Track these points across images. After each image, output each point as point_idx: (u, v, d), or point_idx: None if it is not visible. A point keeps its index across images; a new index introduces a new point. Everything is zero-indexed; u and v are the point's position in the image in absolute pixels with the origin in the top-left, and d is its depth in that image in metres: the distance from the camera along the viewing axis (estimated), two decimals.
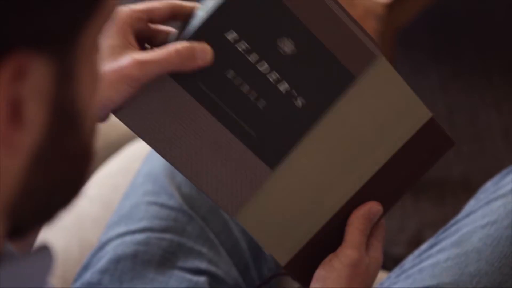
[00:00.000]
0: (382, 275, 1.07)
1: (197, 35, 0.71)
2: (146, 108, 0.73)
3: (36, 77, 0.38)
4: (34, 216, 0.45)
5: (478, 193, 1.00)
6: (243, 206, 0.77)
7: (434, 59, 2.10)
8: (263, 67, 0.73)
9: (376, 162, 0.80)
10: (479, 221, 0.94)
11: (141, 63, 0.70)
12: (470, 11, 2.23)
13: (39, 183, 0.43)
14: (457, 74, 2.07)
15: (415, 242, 1.67)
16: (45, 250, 0.44)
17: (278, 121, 0.75)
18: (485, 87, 2.03)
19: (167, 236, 0.96)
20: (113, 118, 1.29)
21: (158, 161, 1.02)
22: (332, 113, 0.77)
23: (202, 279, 0.94)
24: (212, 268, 0.95)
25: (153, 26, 0.76)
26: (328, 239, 0.80)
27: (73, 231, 1.11)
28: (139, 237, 0.96)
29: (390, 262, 1.53)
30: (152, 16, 0.75)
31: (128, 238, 0.96)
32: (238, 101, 0.74)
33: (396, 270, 0.96)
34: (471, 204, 0.98)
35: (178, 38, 0.73)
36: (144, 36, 0.75)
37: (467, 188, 1.77)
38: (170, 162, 0.75)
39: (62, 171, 0.44)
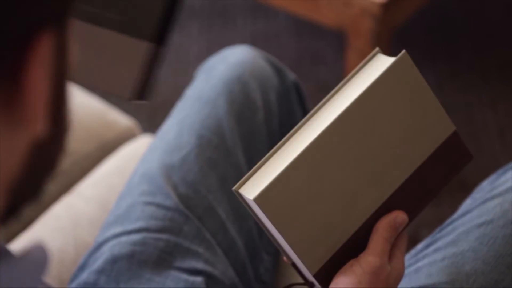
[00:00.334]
0: None
1: None
2: None
3: (46, 50, 0.44)
4: (26, 196, 0.46)
5: (474, 192, 1.00)
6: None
7: (430, 59, 2.11)
8: None
9: (404, 172, 0.80)
10: (475, 220, 0.94)
11: None
12: (466, 11, 2.23)
13: (37, 160, 0.45)
14: (453, 74, 2.07)
15: (411, 242, 1.67)
16: (40, 249, 0.44)
17: None
18: (482, 86, 2.03)
19: (164, 236, 0.96)
20: (108, 119, 1.29)
21: (154, 161, 1.01)
22: (362, 120, 0.77)
23: (198, 279, 0.94)
24: (208, 268, 0.95)
25: None
26: (354, 247, 0.79)
27: (69, 231, 1.11)
28: (136, 237, 0.96)
29: None
30: None
31: (124, 239, 0.96)
32: None
33: None
34: (467, 203, 0.98)
35: None
36: None
37: (463, 188, 1.78)
38: None
39: (54, 147, 0.47)
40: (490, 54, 2.11)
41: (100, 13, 0.75)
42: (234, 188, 0.75)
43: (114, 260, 0.95)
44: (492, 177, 0.99)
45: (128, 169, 1.18)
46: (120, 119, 1.31)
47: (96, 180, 1.19)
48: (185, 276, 0.94)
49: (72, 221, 1.12)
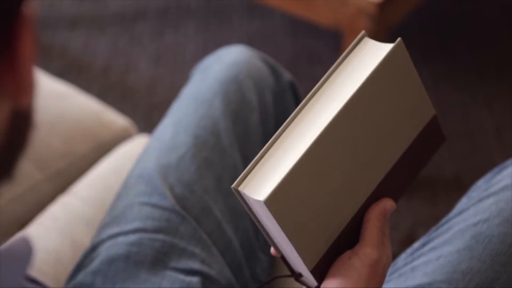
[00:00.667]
0: None
1: None
2: None
3: (30, 20, 0.49)
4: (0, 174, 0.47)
5: (470, 191, 1.00)
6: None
7: (426, 58, 2.11)
8: None
9: (392, 158, 0.80)
10: (471, 219, 0.94)
11: None
12: (462, 10, 2.23)
13: (13, 135, 0.47)
14: (449, 73, 2.07)
15: (407, 241, 1.67)
16: (23, 241, 0.44)
17: None
18: (477, 85, 2.04)
19: (160, 236, 0.96)
20: (104, 119, 1.29)
21: (150, 162, 1.01)
22: (362, 112, 0.76)
23: (195, 279, 0.94)
24: (205, 269, 0.95)
25: None
26: (345, 239, 0.78)
27: (65, 232, 1.11)
28: (132, 237, 0.96)
29: None
30: None
31: (120, 239, 0.96)
32: None
33: (389, 269, 0.97)
34: (463, 202, 0.99)
35: None
36: None
37: (459, 186, 1.78)
38: None
39: (26, 122, 0.48)
40: (486, 53, 2.11)
41: None
42: (233, 186, 0.73)
43: (110, 261, 0.95)
44: (487, 176, 1.00)
45: (124, 169, 1.18)
46: (116, 119, 1.30)
47: (92, 181, 1.19)
48: (181, 277, 0.94)
49: (68, 221, 1.12)
